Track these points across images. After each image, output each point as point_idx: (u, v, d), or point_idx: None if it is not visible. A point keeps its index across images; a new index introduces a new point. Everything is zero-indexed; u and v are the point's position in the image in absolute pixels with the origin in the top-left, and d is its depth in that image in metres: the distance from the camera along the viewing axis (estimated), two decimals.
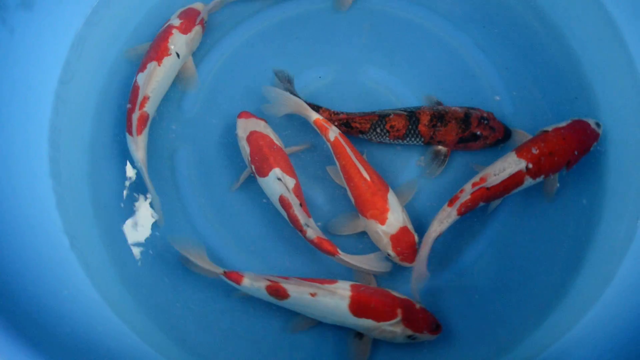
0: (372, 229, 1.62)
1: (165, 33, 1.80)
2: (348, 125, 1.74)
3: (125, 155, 1.78)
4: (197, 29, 1.84)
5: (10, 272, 1.46)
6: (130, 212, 1.75)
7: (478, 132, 1.71)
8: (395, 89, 1.86)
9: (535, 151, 1.61)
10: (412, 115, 1.71)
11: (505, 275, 1.67)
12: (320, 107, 1.76)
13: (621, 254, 1.63)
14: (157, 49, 1.77)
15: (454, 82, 1.87)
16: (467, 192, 1.59)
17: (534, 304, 1.64)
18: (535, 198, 1.72)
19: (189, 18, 1.84)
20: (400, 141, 1.75)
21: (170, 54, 1.78)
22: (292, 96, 1.71)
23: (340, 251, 1.57)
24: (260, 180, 1.66)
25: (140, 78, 1.74)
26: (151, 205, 1.74)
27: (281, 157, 1.66)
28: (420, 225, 1.67)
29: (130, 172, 1.78)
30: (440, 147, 1.74)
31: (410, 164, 1.78)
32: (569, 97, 1.83)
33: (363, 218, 1.63)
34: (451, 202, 1.59)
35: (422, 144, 1.74)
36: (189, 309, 1.67)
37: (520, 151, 1.62)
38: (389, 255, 1.61)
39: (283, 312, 1.61)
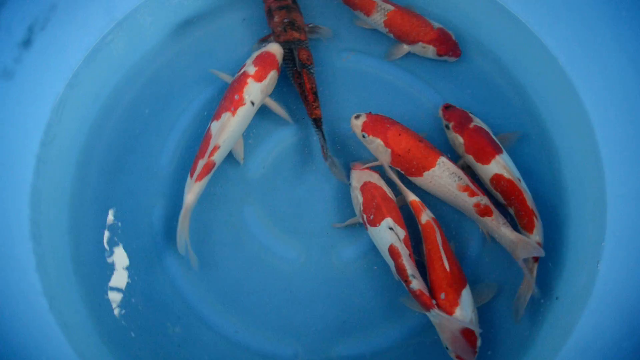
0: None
1: (241, 82, 1.82)
2: (317, 119, 1.87)
3: (106, 213, 1.83)
4: (272, 74, 1.86)
5: None
6: (111, 270, 1.78)
7: None
8: None
9: (400, 163, 1.78)
10: (295, 41, 1.93)
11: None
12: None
13: (582, 303, 1.69)
14: (232, 98, 1.80)
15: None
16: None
17: (499, 356, 1.69)
18: (500, 253, 1.79)
19: (264, 65, 1.85)
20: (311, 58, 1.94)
21: (245, 104, 1.80)
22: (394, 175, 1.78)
23: (435, 306, 1.59)
24: (370, 230, 1.70)
25: (214, 127, 1.78)
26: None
27: (393, 208, 1.71)
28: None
29: (109, 231, 1.82)
30: (310, 26, 2.03)
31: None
32: (531, 149, 1.92)
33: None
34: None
35: (304, 40, 1.96)
36: None
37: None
38: (447, 348, 1.61)
39: None
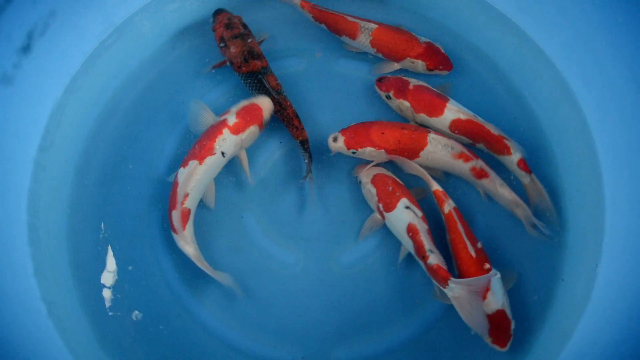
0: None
1: (215, 131, 1.73)
2: (305, 141, 1.85)
3: (104, 218, 1.83)
4: (252, 129, 1.76)
5: None
6: (109, 275, 1.78)
7: (236, 26, 1.96)
8: None
9: (397, 154, 1.79)
10: (260, 71, 1.88)
11: (470, 334, 1.70)
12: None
13: (581, 307, 1.69)
14: (202, 146, 1.71)
15: None
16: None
17: None
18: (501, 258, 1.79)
19: (247, 118, 1.76)
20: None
21: (215, 154, 1.72)
22: (416, 165, 1.78)
23: (452, 277, 1.59)
24: (387, 216, 1.72)
25: (181, 174, 1.71)
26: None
27: (407, 191, 1.74)
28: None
29: (107, 236, 1.82)
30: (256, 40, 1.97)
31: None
32: (530, 155, 1.90)
33: None
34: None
35: (267, 66, 1.91)
36: None
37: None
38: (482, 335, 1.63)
39: None
